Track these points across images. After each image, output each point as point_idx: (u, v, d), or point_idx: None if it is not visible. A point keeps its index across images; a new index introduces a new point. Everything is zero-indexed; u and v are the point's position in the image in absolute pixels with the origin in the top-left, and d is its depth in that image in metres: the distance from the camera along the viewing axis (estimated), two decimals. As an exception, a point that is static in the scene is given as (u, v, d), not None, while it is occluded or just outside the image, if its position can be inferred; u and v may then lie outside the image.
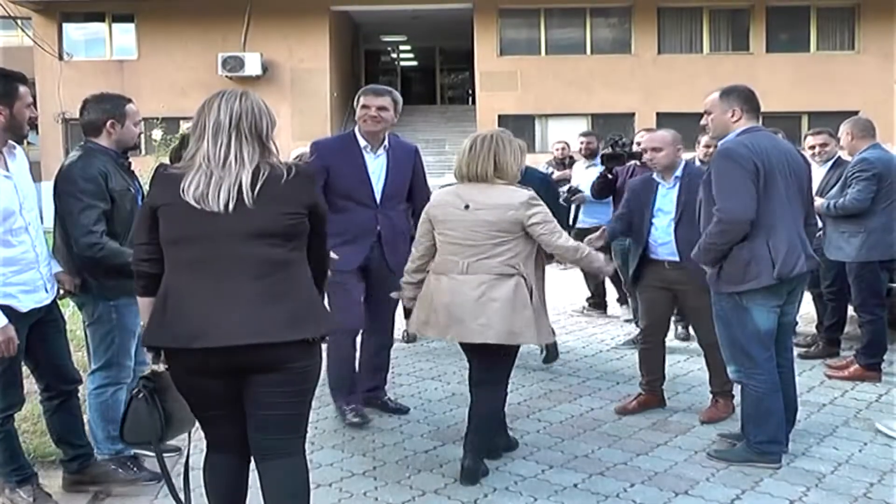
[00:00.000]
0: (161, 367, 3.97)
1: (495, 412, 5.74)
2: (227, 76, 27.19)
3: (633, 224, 6.75)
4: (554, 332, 5.83)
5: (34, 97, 5.06)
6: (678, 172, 6.60)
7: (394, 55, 38.74)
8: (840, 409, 6.88)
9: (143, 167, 8.20)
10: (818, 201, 7.20)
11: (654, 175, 6.72)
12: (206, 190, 3.69)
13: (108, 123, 5.39)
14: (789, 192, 5.58)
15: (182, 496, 4.26)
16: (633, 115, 27.42)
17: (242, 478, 4.11)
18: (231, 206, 3.67)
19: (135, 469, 5.51)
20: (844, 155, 8.31)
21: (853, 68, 28.44)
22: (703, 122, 5.93)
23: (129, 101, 5.56)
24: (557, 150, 13.58)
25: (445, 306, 5.41)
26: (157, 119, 19.47)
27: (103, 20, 29.19)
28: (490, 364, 5.60)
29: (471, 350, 5.63)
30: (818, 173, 7.87)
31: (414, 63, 39.45)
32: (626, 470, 5.65)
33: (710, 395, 6.75)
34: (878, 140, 7.93)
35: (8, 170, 4.80)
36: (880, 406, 6.91)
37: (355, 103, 6.36)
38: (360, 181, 6.46)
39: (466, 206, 5.39)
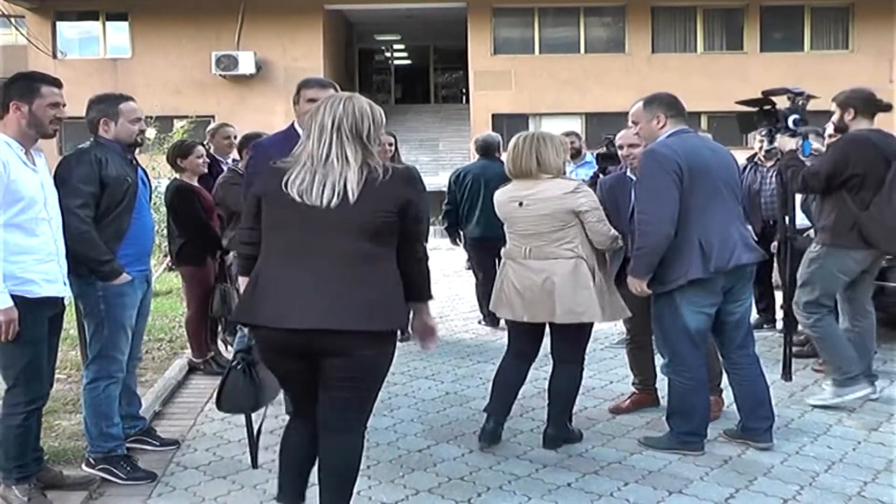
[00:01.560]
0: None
1: (572, 388, 6.14)
2: (220, 75, 27.23)
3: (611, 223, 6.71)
4: (625, 309, 6.13)
5: None
6: None
7: (388, 54, 38.79)
8: (833, 408, 6.85)
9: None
10: None
11: (628, 173, 6.70)
12: (311, 185, 4.02)
13: (102, 122, 5.44)
14: (723, 189, 5.74)
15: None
16: (627, 114, 27.38)
17: (314, 446, 4.36)
18: (333, 202, 3.98)
19: (129, 468, 5.47)
20: None
21: (847, 67, 28.39)
22: (632, 132, 6.26)
23: (127, 99, 5.58)
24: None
25: (517, 291, 5.89)
26: (151, 118, 19.40)
27: (97, 18, 29.25)
28: (565, 342, 6.05)
29: (549, 330, 6.06)
30: None
31: (408, 62, 39.48)
32: (620, 469, 5.63)
33: None
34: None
35: (35, 165, 4.93)
36: (873, 405, 6.90)
37: (296, 96, 5.91)
38: None
39: (520, 204, 5.88)
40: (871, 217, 6.56)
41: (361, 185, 4.01)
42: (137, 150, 5.67)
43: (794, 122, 6.92)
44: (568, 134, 11.20)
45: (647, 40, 29.33)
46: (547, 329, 6.08)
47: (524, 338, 6.13)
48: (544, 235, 5.82)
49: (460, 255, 12.37)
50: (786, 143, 6.88)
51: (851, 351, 6.88)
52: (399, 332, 4.26)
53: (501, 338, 6.53)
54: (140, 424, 6.06)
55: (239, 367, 4.61)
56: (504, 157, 6.14)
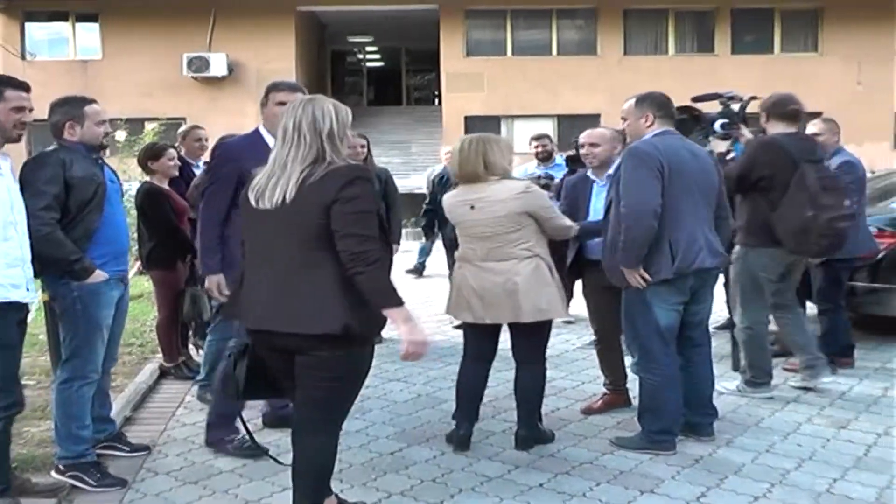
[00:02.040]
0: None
1: (539, 387, 6.15)
2: (192, 77, 27.12)
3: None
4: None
5: None
6: (611, 171, 6.52)
7: (360, 56, 38.68)
8: (803, 406, 6.92)
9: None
10: None
11: (589, 173, 6.74)
12: (265, 189, 4.17)
13: (67, 125, 5.41)
14: (697, 192, 5.83)
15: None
16: (599, 116, 27.47)
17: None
18: (276, 203, 4.12)
19: (98, 475, 5.43)
20: None
21: (817, 70, 28.66)
22: (596, 132, 6.49)
23: (91, 101, 5.54)
24: (538, 147, 13.28)
25: (476, 293, 5.88)
26: (122, 120, 19.27)
27: (67, 19, 29.07)
28: (527, 343, 6.05)
29: (509, 331, 6.07)
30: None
31: (380, 64, 39.39)
32: (592, 469, 5.65)
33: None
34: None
35: (1, 170, 4.87)
36: (843, 403, 6.96)
37: (264, 98, 5.94)
38: None
39: (472, 207, 5.86)
40: (779, 217, 6.75)
41: (297, 186, 4.10)
42: (105, 153, 5.65)
43: (722, 125, 7.29)
44: (539, 137, 11.26)
45: (618, 42, 29.42)
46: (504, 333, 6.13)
47: (483, 340, 6.11)
48: (500, 237, 5.82)
49: (437, 257, 12.35)
50: (717, 146, 7.11)
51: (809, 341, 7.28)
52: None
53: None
54: (110, 428, 6.01)
55: (230, 357, 4.67)
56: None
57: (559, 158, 10.80)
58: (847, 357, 7.86)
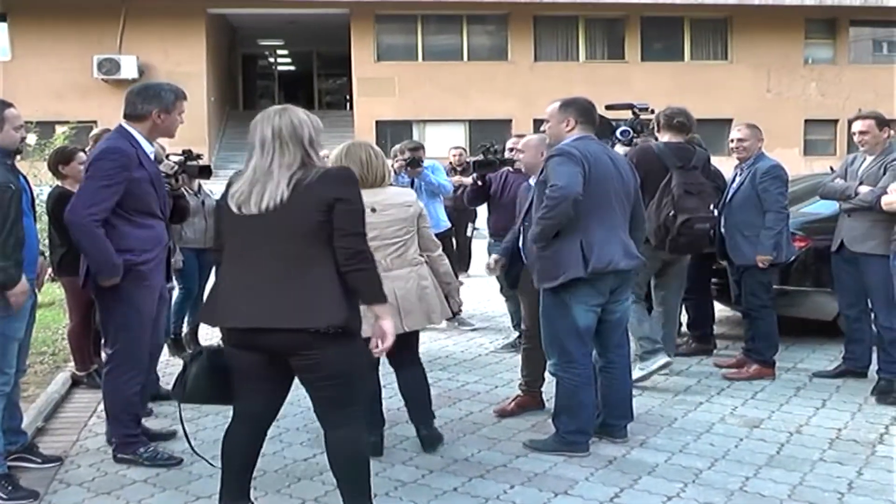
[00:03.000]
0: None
1: (426, 386, 6.27)
2: (102, 79, 26.71)
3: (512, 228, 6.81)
4: None
5: None
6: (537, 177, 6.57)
7: (271, 59, 38.53)
8: (716, 406, 6.97)
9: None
10: (863, 188, 7.33)
11: (530, 179, 6.81)
12: (249, 195, 4.26)
13: None
14: (614, 197, 5.92)
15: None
16: (511, 121, 27.64)
17: (254, 448, 4.69)
18: (267, 209, 4.21)
19: (10, 487, 5.26)
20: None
21: (727, 77, 29.17)
22: (542, 128, 6.41)
23: (9, 105, 5.38)
24: (454, 155, 13.35)
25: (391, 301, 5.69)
26: (32, 123, 18.86)
27: (-25, 19, 28.40)
28: (408, 347, 6.05)
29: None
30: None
31: (291, 68, 39.32)
32: (506, 472, 5.61)
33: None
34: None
35: None
36: (756, 403, 7.03)
37: (176, 103, 5.90)
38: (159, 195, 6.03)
39: (373, 210, 5.59)
40: (647, 217, 6.89)
41: (291, 188, 4.21)
42: (18, 157, 5.50)
43: (622, 132, 7.70)
44: (456, 148, 11.39)
45: (529, 48, 29.63)
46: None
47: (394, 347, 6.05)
48: (400, 241, 5.91)
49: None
50: (619, 151, 7.24)
51: (649, 331, 7.55)
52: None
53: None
54: (22, 440, 5.84)
55: (189, 359, 4.74)
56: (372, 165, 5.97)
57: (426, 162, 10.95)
58: (770, 367, 7.91)
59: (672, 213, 7.31)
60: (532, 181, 6.74)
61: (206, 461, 5.09)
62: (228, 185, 4.42)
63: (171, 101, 5.85)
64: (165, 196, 5.98)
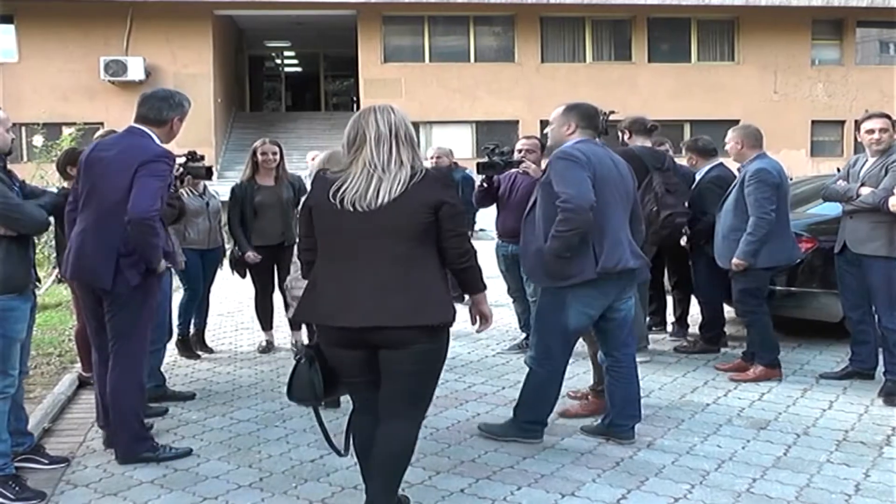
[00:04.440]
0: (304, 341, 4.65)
1: None
2: (109, 81, 26.71)
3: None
4: None
5: None
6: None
7: (278, 61, 38.52)
8: (723, 407, 6.98)
9: (24, 174, 7.98)
10: (864, 190, 7.33)
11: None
12: (365, 191, 4.33)
13: None
14: (618, 198, 5.98)
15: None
16: (517, 122, 27.64)
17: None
18: (379, 205, 4.31)
19: (17, 488, 5.28)
20: (730, 162, 8.50)
21: (733, 78, 29.12)
22: (545, 130, 6.50)
23: None
24: (433, 158, 13.10)
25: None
26: (39, 124, 18.89)
27: (-19, 21, 28.39)
28: None
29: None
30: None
31: (298, 69, 39.28)
32: (513, 473, 5.61)
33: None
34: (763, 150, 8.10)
35: None
36: (763, 404, 7.03)
37: (181, 113, 6.03)
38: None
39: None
40: None
41: (405, 187, 4.34)
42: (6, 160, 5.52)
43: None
44: (439, 148, 11.54)
45: (536, 50, 29.60)
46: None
47: None
48: None
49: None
50: None
51: None
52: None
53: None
54: (28, 441, 5.85)
55: (303, 361, 4.79)
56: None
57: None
58: (776, 369, 7.91)
59: (655, 209, 8.08)
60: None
61: (337, 451, 4.91)
62: (327, 184, 4.44)
63: (187, 110, 6.00)
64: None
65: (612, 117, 6.65)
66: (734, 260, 7.69)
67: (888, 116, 7.44)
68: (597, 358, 6.86)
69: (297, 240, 4.87)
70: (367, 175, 4.36)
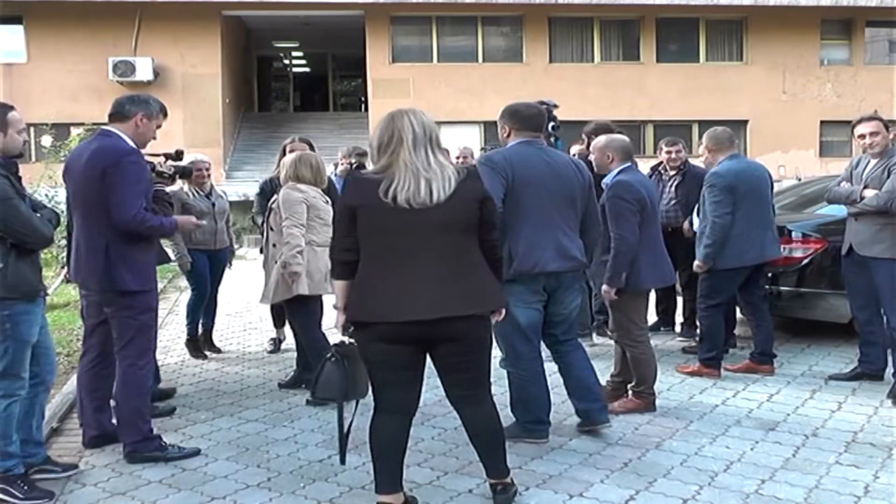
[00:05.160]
0: (346, 340, 4.91)
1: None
2: (117, 81, 26.69)
3: None
4: None
5: None
6: None
7: (286, 61, 38.53)
8: (732, 409, 6.97)
9: (33, 174, 8.00)
10: (868, 193, 7.36)
11: (605, 179, 7.04)
12: (418, 190, 4.51)
13: None
14: (547, 199, 5.98)
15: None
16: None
17: (405, 437, 4.91)
18: (435, 203, 4.52)
19: (26, 487, 5.29)
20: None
21: (742, 78, 29.05)
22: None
23: (11, 108, 5.38)
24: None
25: None
26: (47, 125, 18.89)
27: (-10, 22, 28.40)
28: None
29: None
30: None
31: (306, 69, 39.29)
32: (521, 474, 5.59)
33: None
34: (735, 150, 8.11)
35: None
36: (772, 405, 7.02)
37: (159, 116, 6.13)
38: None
39: (327, 202, 7.17)
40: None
41: (454, 185, 4.58)
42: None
43: (552, 127, 7.92)
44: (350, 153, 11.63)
45: (544, 50, 29.56)
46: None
47: None
48: None
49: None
50: (574, 150, 7.75)
51: None
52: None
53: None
54: (40, 453, 5.75)
55: (333, 359, 4.96)
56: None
57: None
58: (711, 367, 7.99)
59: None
60: (607, 180, 6.90)
61: (342, 457, 5.12)
62: (372, 184, 4.56)
63: (155, 110, 6.06)
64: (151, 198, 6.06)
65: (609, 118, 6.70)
66: (695, 262, 7.83)
67: (880, 119, 7.44)
68: (625, 357, 6.90)
69: (333, 241, 4.90)
70: (413, 174, 4.52)
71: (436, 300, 4.54)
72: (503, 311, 5.03)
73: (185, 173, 7.08)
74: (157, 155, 6.44)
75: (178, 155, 6.87)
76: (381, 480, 4.86)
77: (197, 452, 6.05)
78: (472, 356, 4.79)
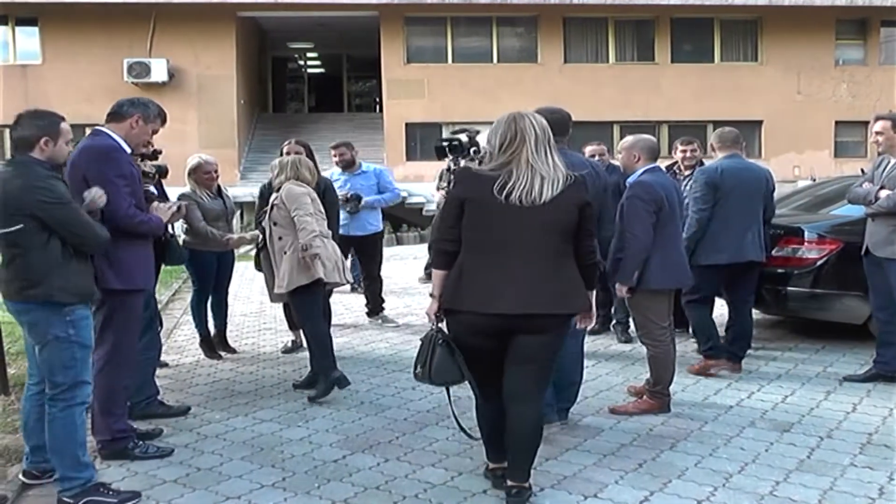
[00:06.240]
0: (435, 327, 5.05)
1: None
2: (132, 82, 26.73)
3: None
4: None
5: None
6: None
7: (301, 62, 38.53)
8: (746, 409, 6.96)
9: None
10: (883, 193, 7.37)
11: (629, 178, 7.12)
12: (531, 189, 4.71)
13: (42, 141, 5.21)
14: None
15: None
16: (539, 123, 27.53)
17: (503, 416, 5.07)
18: (546, 200, 4.70)
19: (111, 492, 5.28)
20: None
21: (756, 79, 28.94)
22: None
23: (63, 119, 5.39)
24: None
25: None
26: (62, 126, 18.96)
27: (6, 23, 28.42)
28: None
29: None
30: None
31: (321, 70, 39.29)
32: (536, 474, 5.54)
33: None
34: (738, 150, 8.12)
35: None
36: (786, 406, 7.01)
37: (157, 121, 6.21)
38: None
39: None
40: None
41: (561, 187, 4.75)
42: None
43: (474, 152, 8.48)
44: (337, 145, 11.63)
45: (559, 50, 29.50)
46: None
47: None
48: None
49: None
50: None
51: None
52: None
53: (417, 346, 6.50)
54: (90, 475, 5.50)
55: (442, 342, 5.02)
56: None
57: (365, 165, 11.58)
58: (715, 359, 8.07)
59: None
60: (630, 180, 6.97)
61: (467, 433, 5.41)
62: (485, 180, 4.76)
63: (153, 114, 6.11)
64: (142, 197, 6.09)
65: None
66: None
67: (890, 119, 7.44)
68: (655, 358, 6.90)
69: (437, 231, 5.22)
70: (531, 173, 4.71)
71: (523, 297, 4.72)
72: (591, 316, 5.22)
73: (163, 172, 7.12)
74: (134, 156, 6.41)
75: (155, 154, 6.90)
76: (491, 452, 5.36)
77: (170, 453, 6.07)
78: (544, 353, 4.94)
